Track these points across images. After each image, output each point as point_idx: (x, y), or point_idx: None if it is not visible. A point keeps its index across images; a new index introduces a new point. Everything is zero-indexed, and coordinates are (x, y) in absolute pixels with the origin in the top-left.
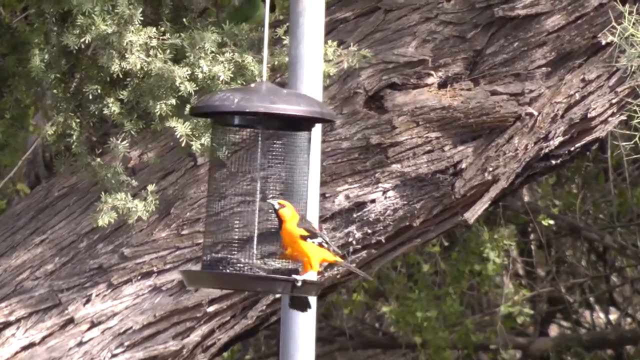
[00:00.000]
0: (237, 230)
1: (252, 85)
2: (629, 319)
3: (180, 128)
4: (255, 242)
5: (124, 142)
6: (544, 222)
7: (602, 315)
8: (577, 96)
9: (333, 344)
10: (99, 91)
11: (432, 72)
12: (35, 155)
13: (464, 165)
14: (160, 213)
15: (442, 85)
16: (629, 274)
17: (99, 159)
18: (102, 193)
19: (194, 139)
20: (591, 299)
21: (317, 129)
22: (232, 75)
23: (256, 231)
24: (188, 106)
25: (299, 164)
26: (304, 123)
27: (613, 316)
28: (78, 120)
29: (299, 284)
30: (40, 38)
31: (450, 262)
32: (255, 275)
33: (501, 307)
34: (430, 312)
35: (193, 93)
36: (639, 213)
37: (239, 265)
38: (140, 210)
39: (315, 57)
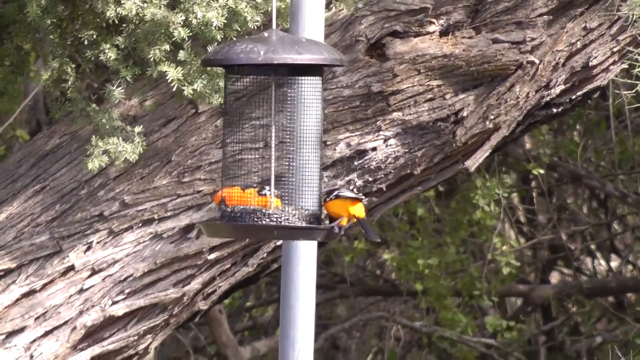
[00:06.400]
0: (255, 176)
1: (265, 34)
2: (629, 267)
3: (172, 73)
4: (272, 188)
5: (119, 88)
6: (535, 171)
7: (603, 262)
8: (579, 44)
9: (334, 291)
10: (94, 37)
11: (434, 20)
12: (36, 101)
13: (465, 113)
14: (161, 160)
15: (443, 33)
16: (630, 221)
17: (94, 105)
18: (93, 137)
19: (186, 84)
20: (592, 247)
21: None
22: (225, 21)
23: (272, 177)
24: (182, 52)
25: (311, 109)
26: (316, 69)
27: (614, 263)
28: (74, 65)
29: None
30: None
31: (449, 212)
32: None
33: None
34: (432, 260)
35: (187, 39)
36: None
37: (259, 214)
38: (129, 152)
39: (316, 4)
